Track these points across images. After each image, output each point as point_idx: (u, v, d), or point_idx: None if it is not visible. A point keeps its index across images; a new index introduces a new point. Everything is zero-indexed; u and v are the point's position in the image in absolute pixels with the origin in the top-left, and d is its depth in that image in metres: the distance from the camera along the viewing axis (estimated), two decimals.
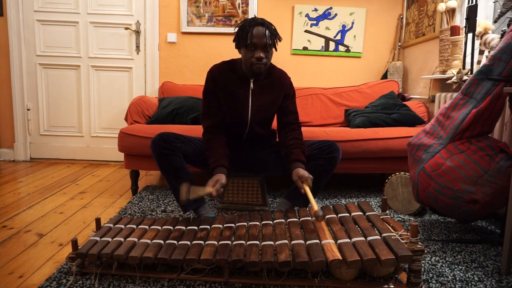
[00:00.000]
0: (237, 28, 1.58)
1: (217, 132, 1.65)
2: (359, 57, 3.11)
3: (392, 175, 1.96)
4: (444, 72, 2.30)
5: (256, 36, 1.50)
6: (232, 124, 1.71)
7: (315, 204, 1.34)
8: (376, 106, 2.56)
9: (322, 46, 3.10)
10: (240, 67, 1.64)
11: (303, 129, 1.88)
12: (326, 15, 3.06)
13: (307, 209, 1.49)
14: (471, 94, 1.49)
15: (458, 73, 2.06)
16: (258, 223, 1.40)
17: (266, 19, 1.57)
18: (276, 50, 1.60)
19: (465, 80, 2.03)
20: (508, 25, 1.68)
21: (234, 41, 1.60)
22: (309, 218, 1.39)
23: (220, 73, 1.65)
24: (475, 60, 2.04)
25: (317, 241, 1.19)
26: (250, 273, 1.25)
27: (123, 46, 3.08)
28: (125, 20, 3.04)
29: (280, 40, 1.59)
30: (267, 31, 1.52)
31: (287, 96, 1.74)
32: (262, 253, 1.16)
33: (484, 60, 1.98)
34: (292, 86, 1.76)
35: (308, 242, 1.18)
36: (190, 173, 1.66)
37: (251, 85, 1.65)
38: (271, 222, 1.40)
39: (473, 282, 1.24)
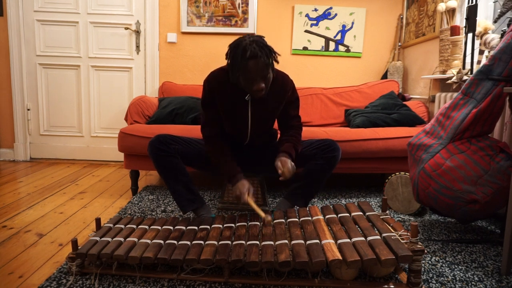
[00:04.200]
0: (228, 52, 1.45)
1: (219, 141, 1.63)
2: (359, 57, 3.11)
3: (392, 175, 1.96)
4: (444, 72, 2.30)
5: (252, 72, 1.38)
6: (231, 135, 1.69)
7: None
8: (376, 106, 2.56)
9: (322, 46, 3.10)
10: (238, 81, 1.53)
11: (303, 129, 1.88)
12: (326, 15, 3.06)
13: (307, 209, 1.50)
14: (471, 94, 1.49)
15: (458, 73, 2.06)
16: (258, 223, 1.40)
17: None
18: (273, 72, 1.50)
19: (465, 80, 2.03)
20: (508, 25, 1.68)
21: (227, 66, 1.48)
22: (309, 218, 1.39)
23: (217, 83, 1.57)
24: (475, 60, 2.04)
25: (317, 241, 1.19)
26: (250, 273, 1.25)
27: (123, 46, 3.08)
28: (125, 20, 3.04)
29: (277, 62, 1.47)
30: (262, 63, 1.37)
31: (289, 103, 1.68)
32: (262, 253, 1.16)
33: (484, 60, 1.98)
34: (294, 91, 1.68)
35: (308, 242, 1.18)
36: (188, 175, 1.66)
37: (250, 96, 1.57)
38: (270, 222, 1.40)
39: (473, 282, 1.24)
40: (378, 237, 1.18)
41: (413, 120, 2.39)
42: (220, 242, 1.25)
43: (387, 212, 1.51)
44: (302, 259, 1.09)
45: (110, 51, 3.08)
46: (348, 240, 1.18)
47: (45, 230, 1.69)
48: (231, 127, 1.66)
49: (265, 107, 1.63)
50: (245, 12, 3.03)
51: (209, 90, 1.58)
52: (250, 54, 1.36)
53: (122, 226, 1.43)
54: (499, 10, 1.87)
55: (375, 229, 1.27)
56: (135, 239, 1.29)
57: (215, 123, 1.64)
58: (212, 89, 1.58)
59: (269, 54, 1.41)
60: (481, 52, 1.99)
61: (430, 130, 1.61)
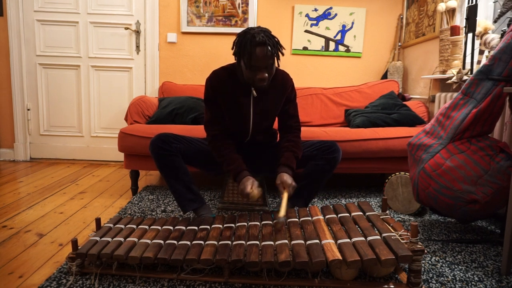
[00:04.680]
0: (236, 40, 1.48)
1: (225, 138, 1.63)
2: (359, 57, 3.11)
3: (392, 175, 1.96)
4: (444, 72, 2.30)
5: (258, 59, 1.42)
6: (233, 133, 1.69)
7: (283, 211, 1.34)
8: (376, 106, 2.56)
9: (322, 46, 3.10)
10: (241, 72, 1.57)
11: (303, 129, 1.88)
12: (326, 15, 3.06)
13: (307, 209, 1.50)
14: (471, 94, 1.49)
15: (458, 73, 2.06)
16: (258, 223, 1.40)
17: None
18: (278, 65, 1.54)
19: (465, 80, 2.03)
20: (508, 25, 1.68)
21: (234, 54, 1.51)
22: (309, 218, 1.39)
23: (219, 81, 1.59)
24: (475, 60, 2.04)
25: (317, 241, 1.19)
26: (250, 273, 1.25)
27: (123, 46, 3.08)
28: (125, 20, 3.04)
29: (283, 54, 1.51)
30: (269, 51, 1.42)
31: (288, 99, 1.70)
32: (262, 253, 1.16)
33: (484, 60, 1.98)
34: (293, 88, 1.72)
35: (308, 242, 1.18)
36: (189, 174, 1.66)
37: (253, 92, 1.60)
38: (271, 222, 1.40)
39: (473, 282, 1.24)
40: (378, 237, 1.18)
41: (413, 120, 2.39)
42: (220, 242, 1.25)
43: (387, 212, 1.51)
44: (302, 259, 1.09)
45: (110, 51, 3.08)
46: (348, 240, 1.18)
47: (45, 230, 1.69)
48: (233, 124, 1.67)
49: (266, 103, 1.65)
50: (245, 12, 3.03)
51: (211, 88, 1.61)
52: (259, 41, 1.40)
53: (122, 226, 1.43)
54: (499, 10, 1.87)
55: (375, 229, 1.27)
56: (135, 239, 1.29)
57: (218, 121, 1.65)
58: (214, 87, 1.60)
59: (276, 45, 1.46)
60: (481, 52, 1.99)
61: (430, 130, 1.61)
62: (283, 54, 1.51)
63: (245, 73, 1.50)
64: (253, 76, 1.47)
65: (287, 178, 1.50)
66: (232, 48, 1.51)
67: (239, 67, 1.53)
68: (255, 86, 1.53)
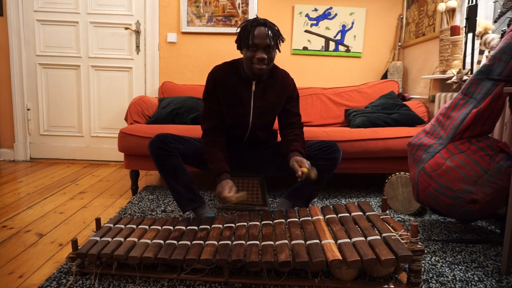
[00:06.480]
0: (239, 29, 1.56)
1: (216, 134, 1.64)
2: (359, 57, 3.11)
3: (392, 175, 1.96)
4: (444, 72, 2.30)
5: (257, 37, 1.48)
6: (232, 128, 1.70)
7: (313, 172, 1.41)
8: (376, 106, 2.56)
9: (322, 46, 3.10)
10: (243, 68, 1.62)
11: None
12: (326, 15, 3.06)
13: (307, 209, 1.50)
14: (471, 94, 1.49)
15: (458, 73, 2.06)
16: (258, 223, 1.40)
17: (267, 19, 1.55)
18: (279, 51, 1.58)
19: (465, 80, 2.03)
20: (508, 25, 1.68)
21: (236, 42, 1.57)
22: (309, 218, 1.39)
23: (221, 75, 1.62)
24: (475, 60, 2.04)
25: (317, 241, 1.19)
26: (250, 273, 1.25)
27: (123, 46, 3.08)
28: (125, 20, 3.04)
29: (283, 41, 1.57)
30: (269, 32, 1.50)
31: (290, 98, 1.71)
32: (262, 253, 1.16)
33: (484, 60, 1.98)
34: (295, 88, 1.74)
35: (308, 242, 1.18)
36: (188, 174, 1.66)
37: (253, 87, 1.63)
38: (271, 222, 1.40)
39: (473, 282, 1.24)
40: (378, 237, 1.18)
41: (413, 120, 2.39)
42: (220, 242, 1.25)
43: (387, 212, 1.51)
44: (302, 259, 1.09)
45: (110, 51, 3.08)
46: (348, 240, 1.18)
47: (45, 230, 1.69)
48: (233, 119, 1.67)
49: (266, 99, 1.66)
50: (245, 12, 3.03)
51: (213, 82, 1.63)
52: (260, 22, 1.52)
53: (122, 226, 1.43)
54: (499, 10, 1.87)
55: (375, 229, 1.27)
56: (135, 239, 1.29)
57: (214, 116, 1.66)
58: (215, 81, 1.62)
59: (277, 31, 1.54)
60: (481, 52, 1.99)
61: (430, 130, 1.61)
62: (282, 41, 1.57)
63: (245, 57, 1.55)
64: (251, 56, 1.51)
65: (301, 158, 1.51)
66: (236, 41, 1.56)
67: (241, 49, 1.58)
68: (254, 71, 1.54)
